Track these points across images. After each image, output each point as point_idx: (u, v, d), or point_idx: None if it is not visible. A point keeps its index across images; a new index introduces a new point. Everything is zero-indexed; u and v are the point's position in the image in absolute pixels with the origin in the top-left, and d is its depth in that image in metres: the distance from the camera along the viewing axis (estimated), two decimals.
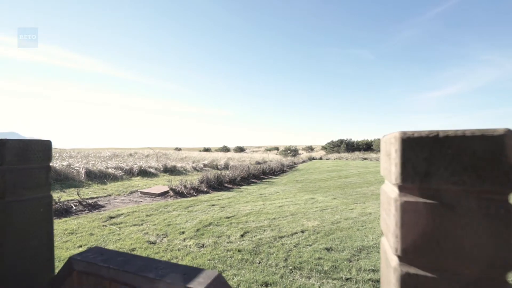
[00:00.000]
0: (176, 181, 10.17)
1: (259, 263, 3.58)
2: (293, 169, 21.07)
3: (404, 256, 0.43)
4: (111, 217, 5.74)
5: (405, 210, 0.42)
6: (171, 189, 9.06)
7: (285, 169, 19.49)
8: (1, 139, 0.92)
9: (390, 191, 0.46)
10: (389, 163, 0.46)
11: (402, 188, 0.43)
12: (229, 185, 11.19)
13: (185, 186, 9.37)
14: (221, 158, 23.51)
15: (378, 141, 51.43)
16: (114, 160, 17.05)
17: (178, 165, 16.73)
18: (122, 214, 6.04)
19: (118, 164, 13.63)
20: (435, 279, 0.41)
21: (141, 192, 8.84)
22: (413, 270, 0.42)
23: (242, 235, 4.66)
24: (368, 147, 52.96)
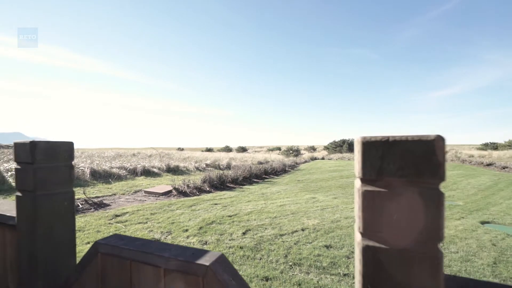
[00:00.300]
0: (179, 181, 10.34)
1: (260, 259, 3.70)
2: (295, 169, 21.17)
3: (365, 232, 0.56)
4: (117, 215, 5.90)
5: (365, 198, 0.55)
6: (174, 188, 9.21)
7: (287, 169, 19.60)
8: (33, 141, 1.06)
9: (356, 183, 0.59)
10: (355, 161, 0.58)
11: (363, 180, 0.56)
12: (231, 185, 11.33)
13: (188, 186, 9.52)
14: (223, 158, 23.67)
15: None
16: (118, 160, 17.26)
17: (181, 165, 16.91)
18: (127, 212, 6.19)
19: (122, 164, 13.83)
20: (387, 249, 0.54)
21: (145, 192, 9.01)
22: (371, 243, 0.55)
23: (244, 233, 4.79)
24: None
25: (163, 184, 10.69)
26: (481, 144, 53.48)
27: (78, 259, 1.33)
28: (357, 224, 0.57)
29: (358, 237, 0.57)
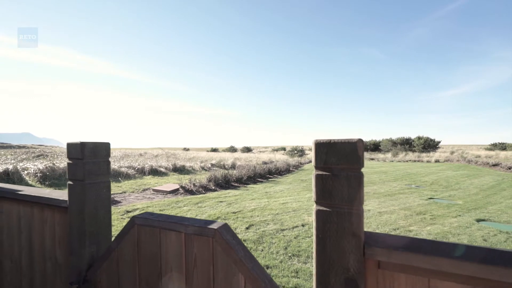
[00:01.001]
0: (185, 180, 10.72)
1: (262, 251, 4.01)
2: (299, 169, 21.41)
3: (317, 201, 0.87)
4: (128, 211, 6.28)
5: (317, 178, 0.86)
6: (181, 187, 9.59)
7: (291, 169, 19.85)
8: (82, 142, 1.40)
9: (314, 170, 0.90)
10: (312, 155, 0.90)
11: (316, 168, 0.87)
12: (236, 184, 11.66)
13: (194, 184, 9.89)
14: (228, 158, 24.02)
15: (385, 141, 50.99)
16: (126, 160, 17.77)
17: (187, 164, 17.32)
18: (137, 208, 6.57)
19: (130, 164, 14.30)
20: (330, 210, 0.85)
21: (153, 190, 9.40)
22: (321, 207, 0.86)
23: (247, 228, 5.11)
24: (376, 147, 52.56)
25: (170, 183, 11.08)
26: (489, 144, 52.82)
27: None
28: (313, 196, 0.88)
29: (314, 205, 0.88)
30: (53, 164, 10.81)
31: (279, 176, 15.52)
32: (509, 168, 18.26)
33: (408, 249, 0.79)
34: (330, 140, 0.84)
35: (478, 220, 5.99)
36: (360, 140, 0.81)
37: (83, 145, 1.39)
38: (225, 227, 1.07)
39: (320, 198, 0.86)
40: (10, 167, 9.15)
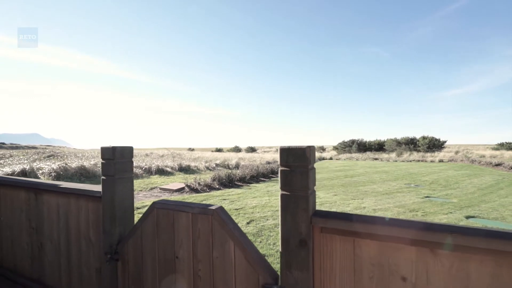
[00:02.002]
0: (191, 179, 11.18)
1: (260, 242, 4.42)
2: None
3: (281, 188, 1.27)
4: (138, 208, 6.75)
5: (281, 172, 1.27)
6: (187, 185, 10.05)
7: None
8: (113, 146, 1.82)
9: (279, 167, 1.31)
10: (279, 157, 1.30)
11: (280, 165, 1.28)
12: (239, 183, 12.08)
13: (199, 183, 10.35)
14: (232, 158, 24.46)
15: (390, 141, 50.84)
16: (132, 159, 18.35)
17: (192, 164, 17.82)
18: (146, 205, 7.04)
19: (138, 164, 14.85)
20: (289, 194, 1.26)
21: (160, 188, 9.88)
22: (284, 192, 1.27)
23: (248, 223, 5.52)
24: (380, 147, 52.43)
25: (176, 182, 11.56)
26: (496, 144, 52.24)
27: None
28: (279, 184, 1.29)
29: (280, 190, 1.29)
30: (66, 164, 11.38)
31: None
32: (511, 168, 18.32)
33: (339, 218, 1.19)
34: (289, 146, 1.25)
35: (468, 217, 6.30)
36: (308, 147, 1.22)
37: (113, 148, 1.81)
38: (221, 208, 1.49)
39: (283, 186, 1.26)
40: (27, 167, 9.73)
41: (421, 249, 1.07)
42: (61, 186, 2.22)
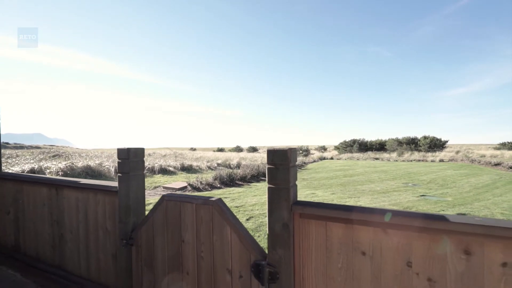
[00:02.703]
0: (193, 178, 11.50)
1: (258, 237, 4.72)
2: (303, 168, 22.02)
3: (268, 182, 1.57)
4: None
5: (268, 170, 1.57)
6: (189, 184, 10.37)
7: None
8: (128, 148, 2.13)
9: (266, 165, 1.61)
10: (266, 157, 1.60)
11: (268, 164, 1.58)
12: (240, 182, 12.39)
13: (201, 182, 10.67)
14: (234, 158, 24.76)
15: (391, 141, 50.90)
16: None
17: (194, 164, 18.15)
18: (151, 203, 7.36)
19: None
20: (275, 187, 1.56)
21: (164, 187, 10.21)
22: (270, 185, 1.57)
23: (247, 219, 5.82)
24: (382, 147, 52.50)
25: (179, 181, 11.88)
26: (498, 144, 52.16)
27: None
28: (267, 179, 1.58)
29: (267, 184, 1.59)
30: (72, 163, 11.75)
31: None
32: (510, 168, 18.48)
33: (314, 206, 1.49)
34: (274, 148, 1.54)
35: (458, 214, 6.56)
36: (290, 149, 1.51)
37: (128, 150, 2.12)
38: (220, 200, 1.79)
39: (269, 181, 1.56)
40: (36, 166, 10.09)
41: (376, 229, 1.37)
42: (81, 182, 2.53)
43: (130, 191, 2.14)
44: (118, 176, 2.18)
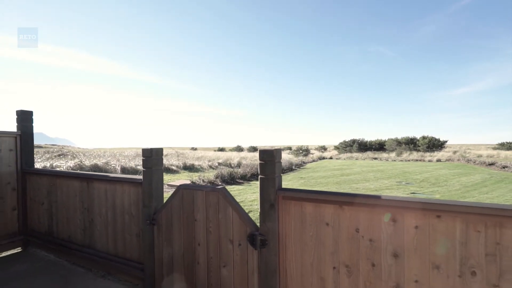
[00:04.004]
0: (195, 177, 12.07)
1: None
2: (301, 167, 22.58)
3: (260, 174, 2.14)
4: None
5: (260, 164, 2.14)
6: (192, 182, 10.94)
7: (293, 167, 21.03)
8: (151, 148, 2.69)
9: (258, 161, 2.17)
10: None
11: (259, 160, 2.15)
12: (240, 180, 12.96)
13: (203, 181, 11.24)
14: (234, 157, 25.32)
15: (390, 141, 51.36)
16: (138, 159, 19.31)
17: (196, 163, 18.73)
18: None
19: None
20: (264, 177, 2.13)
21: (168, 185, 10.78)
22: (261, 176, 2.14)
23: (247, 213, 6.37)
24: (381, 147, 52.97)
25: (182, 179, 12.46)
26: (497, 144, 52.60)
27: None
28: (258, 171, 2.15)
29: (259, 175, 2.16)
30: (81, 162, 12.33)
31: (281, 174, 16.72)
32: (504, 167, 18.99)
33: (293, 191, 2.05)
34: (264, 149, 2.11)
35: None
36: (275, 149, 2.08)
37: (151, 149, 2.68)
38: (224, 188, 2.35)
39: (261, 172, 2.12)
40: (48, 164, 10.67)
41: (335, 206, 1.93)
42: (110, 176, 3.09)
43: (152, 182, 2.71)
44: (143, 170, 2.75)
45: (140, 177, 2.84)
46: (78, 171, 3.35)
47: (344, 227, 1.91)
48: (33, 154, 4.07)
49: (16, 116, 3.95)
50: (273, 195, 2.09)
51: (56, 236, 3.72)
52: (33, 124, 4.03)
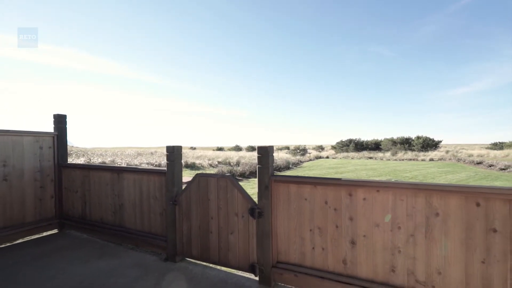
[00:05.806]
0: None
1: None
2: (298, 166, 23.42)
3: (258, 164, 2.94)
4: None
5: (258, 157, 2.94)
6: None
7: (290, 166, 21.87)
8: (174, 145, 3.47)
9: (257, 153, 2.97)
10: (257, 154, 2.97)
11: (258, 153, 2.95)
12: (239, 178, 13.74)
13: None
14: (233, 156, 26.10)
15: (386, 141, 52.32)
16: (140, 158, 20.04)
17: (197, 162, 19.50)
18: None
19: (148, 161, 16.52)
20: (261, 167, 2.93)
21: None
22: (259, 166, 2.94)
23: None
24: (377, 146, 53.92)
25: (184, 176, 13.23)
26: (490, 144, 53.76)
27: None
28: (257, 162, 2.95)
29: (257, 165, 2.95)
30: (90, 160, 13.05)
31: (278, 172, 17.54)
32: (490, 166, 19.93)
33: (282, 176, 2.85)
34: (261, 146, 2.90)
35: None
36: (269, 146, 2.87)
37: (173, 147, 3.46)
38: (231, 175, 3.14)
39: (258, 163, 2.91)
40: None
41: (311, 186, 2.72)
42: (138, 167, 3.87)
43: (174, 171, 3.49)
44: (167, 163, 3.53)
45: (163, 168, 3.62)
46: (109, 164, 4.13)
47: (317, 201, 2.71)
48: (66, 151, 4.83)
49: (53, 119, 4.70)
50: (267, 179, 2.88)
51: (89, 219, 4.49)
52: (67, 126, 4.79)
